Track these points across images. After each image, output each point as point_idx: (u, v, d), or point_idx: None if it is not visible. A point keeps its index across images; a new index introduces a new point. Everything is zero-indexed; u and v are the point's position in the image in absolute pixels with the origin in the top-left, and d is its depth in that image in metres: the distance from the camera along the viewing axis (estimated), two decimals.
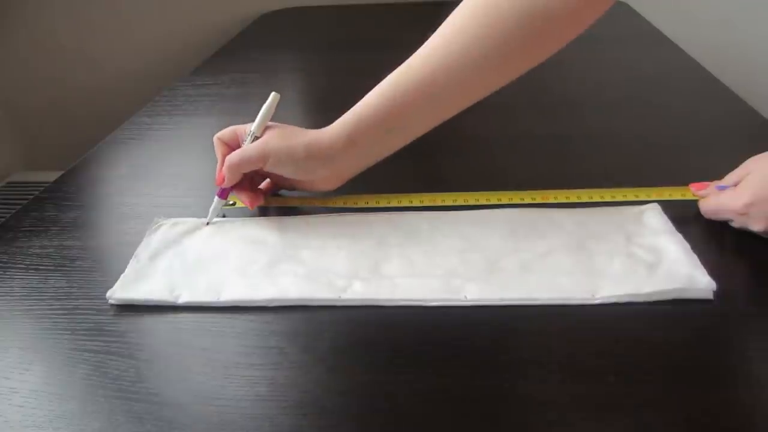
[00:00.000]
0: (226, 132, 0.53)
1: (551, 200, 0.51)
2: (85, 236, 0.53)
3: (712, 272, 0.42)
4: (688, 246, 0.45)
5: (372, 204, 0.52)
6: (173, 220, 0.52)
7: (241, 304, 0.43)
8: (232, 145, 0.53)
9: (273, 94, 0.52)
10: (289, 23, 1.26)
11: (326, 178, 0.51)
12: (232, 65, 0.98)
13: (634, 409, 0.34)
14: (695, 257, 0.44)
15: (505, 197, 0.52)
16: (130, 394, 0.36)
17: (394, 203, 0.52)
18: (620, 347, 0.38)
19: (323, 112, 0.79)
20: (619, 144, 0.63)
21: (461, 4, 0.49)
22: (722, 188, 0.48)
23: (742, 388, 0.35)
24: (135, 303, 0.44)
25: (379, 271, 0.45)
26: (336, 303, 0.43)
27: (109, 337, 0.41)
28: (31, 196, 0.60)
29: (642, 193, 0.51)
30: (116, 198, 0.59)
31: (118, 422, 0.35)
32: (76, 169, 0.66)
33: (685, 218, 0.49)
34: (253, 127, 0.51)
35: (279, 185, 0.55)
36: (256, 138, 0.51)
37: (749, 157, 0.48)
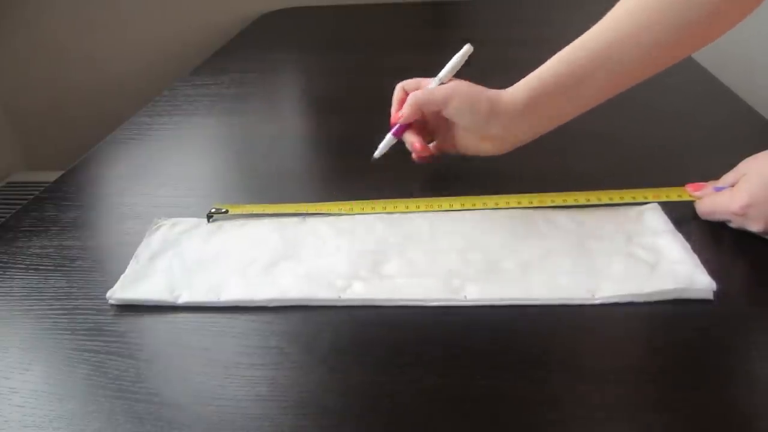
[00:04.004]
0: (411, 81, 0.55)
1: (549, 203, 0.51)
2: (85, 236, 0.53)
3: (712, 272, 0.42)
4: (688, 246, 0.45)
5: (368, 210, 0.52)
6: (173, 220, 0.52)
7: (241, 304, 0.43)
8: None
9: (467, 45, 0.53)
10: (289, 23, 1.26)
11: (497, 138, 0.51)
12: (232, 65, 0.98)
13: (635, 409, 0.34)
14: (695, 257, 0.44)
15: (502, 201, 0.52)
16: (130, 394, 0.36)
17: (390, 209, 0.52)
18: (620, 347, 0.38)
19: (323, 112, 0.80)
20: (618, 144, 0.63)
21: None
22: (719, 189, 0.48)
23: (742, 388, 0.35)
24: (135, 303, 0.44)
25: (379, 271, 0.45)
26: (336, 303, 0.43)
27: (109, 337, 0.41)
28: (31, 196, 0.60)
29: (639, 195, 0.51)
30: (116, 198, 0.59)
31: (118, 422, 0.35)
32: (76, 169, 0.66)
33: (685, 218, 0.49)
34: (441, 73, 0.53)
35: (444, 148, 0.56)
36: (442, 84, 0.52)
37: (749, 157, 0.48)
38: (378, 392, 0.36)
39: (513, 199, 0.52)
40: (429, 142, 0.56)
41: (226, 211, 0.53)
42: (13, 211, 0.57)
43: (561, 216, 0.50)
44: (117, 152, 0.69)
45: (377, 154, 0.54)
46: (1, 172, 1.56)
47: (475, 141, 0.52)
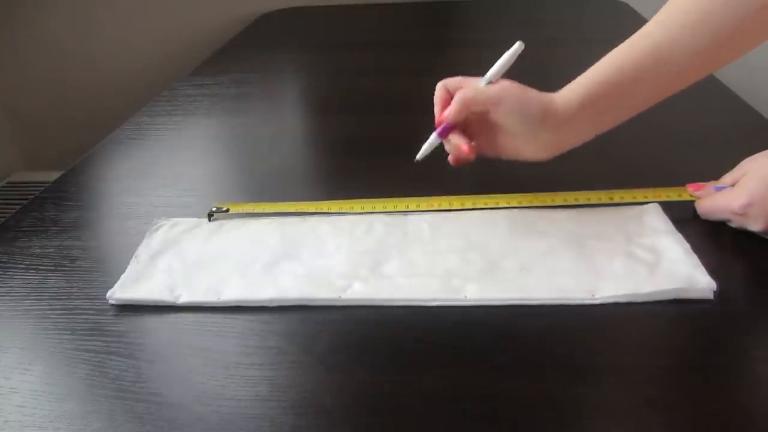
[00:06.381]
0: (453, 80, 0.51)
1: (549, 203, 0.51)
2: (85, 236, 0.53)
3: (712, 272, 0.42)
4: (688, 246, 0.45)
5: (369, 209, 0.52)
6: (173, 220, 0.52)
7: (241, 304, 0.43)
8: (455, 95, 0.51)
9: (518, 42, 0.49)
10: (289, 23, 1.26)
11: (546, 144, 0.49)
12: (232, 65, 0.98)
13: (634, 409, 0.34)
14: (695, 257, 0.44)
15: (502, 200, 0.52)
16: (130, 394, 0.36)
17: (390, 207, 0.52)
18: (620, 347, 0.38)
19: (323, 112, 0.80)
20: (617, 144, 0.63)
21: None
22: (719, 189, 0.48)
23: (742, 388, 0.35)
24: (135, 303, 0.44)
25: (379, 271, 0.45)
26: (336, 303, 0.43)
27: (109, 337, 0.41)
28: (31, 196, 0.60)
29: (639, 195, 0.51)
30: (116, 198, 0.59)
31: (118, 422, 0.35)
32: (76, 169, 0.66)
33: (685, 218, 0.49)
34: (489, 72, 0.49)
35: (485, 152, 0.52)
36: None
37: (748, 156, 0.48)
38: (377, 392, 0.36)
39: (513, 199, 0.52)
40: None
41: (227, 210, 0.53)
42: (13, 211, 0.57)
43: (561, 216, 0.50)
44: (117, 152, 0.69)
45: (420, 155, 0.51)
46: (1, 172, 1.56)
47: (520, 145, 0.50)
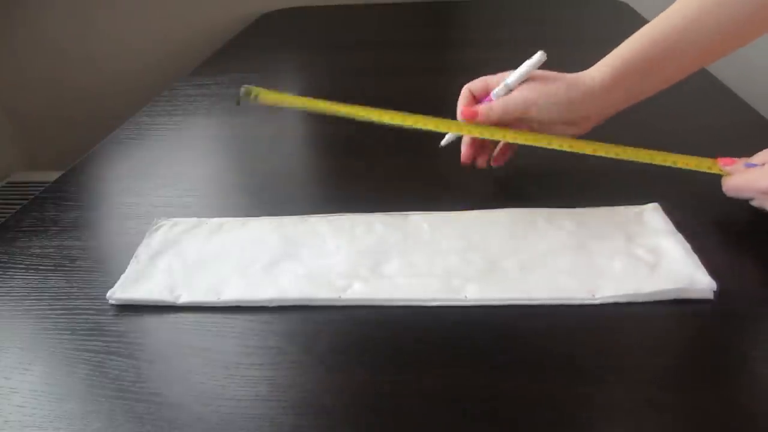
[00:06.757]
0: (477, 83, 0.53)
1: (579, 150, 0.51)
2: (85, 236, 0.53)
3: (712, 272, 0.42)
4: (688, 246, 0.45)
5: (399, 121, 0.53)
6: (173, 220, 0.52)
7: (241, 304, 0.43)
8: (479, 97, 0.53)
9: (540, 52, 0.50)
10: (289, 23, 1.26)
11: (581, 121, 0.51)
12: (232, 65, 0.98)
13: (634, 409, 0.34)
14: (695, 257, 0.44)
15: (530, 138, 0.51)
16: (130, 394, 0.36)
17: (398, 120, 0.53)
18: (620, 347, 0.38)
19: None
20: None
21: None
22: (751, 166, 0.48)
23: (742, 388, 0.35)
24: (135, 303, 0.44)
25: (379, 271, 0.45)
26: (336, 303, 0.43)
27: (109, 337, 0.41)
28: (31, 196, 0.60)
29: (669, 158, 0.51)
30: (116, 198, 0.59)
31: (118, 422, 0.35)
32: (76, 169, 0.66)
33: (686, 218, 0.49)
34: (509, 79, 0.51)
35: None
36: (509, 91, 0.51)
37: (748, 156, 0.48)
38: (377, 392, 0.36)
39: (543, 139, 0.51)
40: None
41: (256, 96, 0.52)
42: (13, 211, 0.57)
43: (561, 216, 0.50)
44: (117, 152, 0.69)
45: (444, 142, 0.55)
46: (1, 172, 1.56)
47: (557, 129, 0.51)
